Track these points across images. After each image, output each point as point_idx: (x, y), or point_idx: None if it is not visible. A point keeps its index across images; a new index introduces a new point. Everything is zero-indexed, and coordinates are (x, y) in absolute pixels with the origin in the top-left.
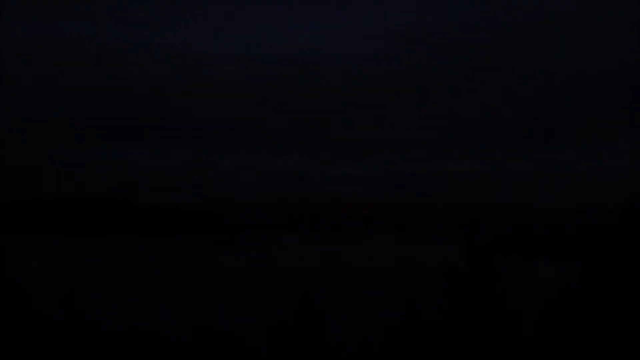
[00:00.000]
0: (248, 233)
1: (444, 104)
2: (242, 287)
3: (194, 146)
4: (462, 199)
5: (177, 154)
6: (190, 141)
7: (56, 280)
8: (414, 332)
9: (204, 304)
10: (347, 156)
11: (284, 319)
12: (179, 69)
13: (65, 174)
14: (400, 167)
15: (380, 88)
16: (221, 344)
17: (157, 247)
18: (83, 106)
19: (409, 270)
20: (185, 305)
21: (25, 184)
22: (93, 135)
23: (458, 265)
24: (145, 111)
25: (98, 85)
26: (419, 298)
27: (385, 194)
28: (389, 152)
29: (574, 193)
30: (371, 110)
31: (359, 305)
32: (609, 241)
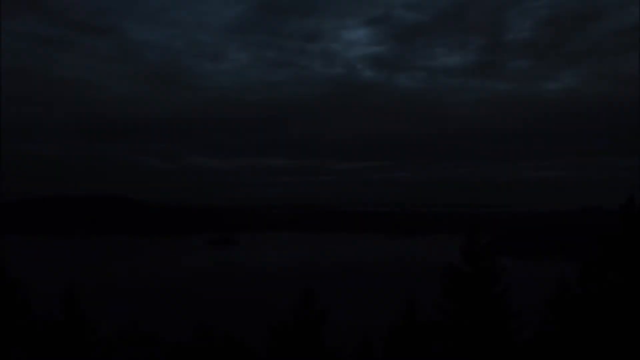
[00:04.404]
0: (248, 233)
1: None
2: (241, 287)
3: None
4: (462, 199)
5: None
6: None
7: (56, 280)
8: (414, 332)
9: (204, 304)
10: (347, 157)
11: (284, 319)
12: None
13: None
14: (400, 167)
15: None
16: (221, 344)
17: (157, 247)
18: None
19: (409, 270)
20: (185, 305)
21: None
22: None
23: (458, 265)
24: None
25: None
26: (419, 298)
27: (385, 193)
28: (388, 153)
29: (573, 193)
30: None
31: (359, 305)
32: (609, 241)
